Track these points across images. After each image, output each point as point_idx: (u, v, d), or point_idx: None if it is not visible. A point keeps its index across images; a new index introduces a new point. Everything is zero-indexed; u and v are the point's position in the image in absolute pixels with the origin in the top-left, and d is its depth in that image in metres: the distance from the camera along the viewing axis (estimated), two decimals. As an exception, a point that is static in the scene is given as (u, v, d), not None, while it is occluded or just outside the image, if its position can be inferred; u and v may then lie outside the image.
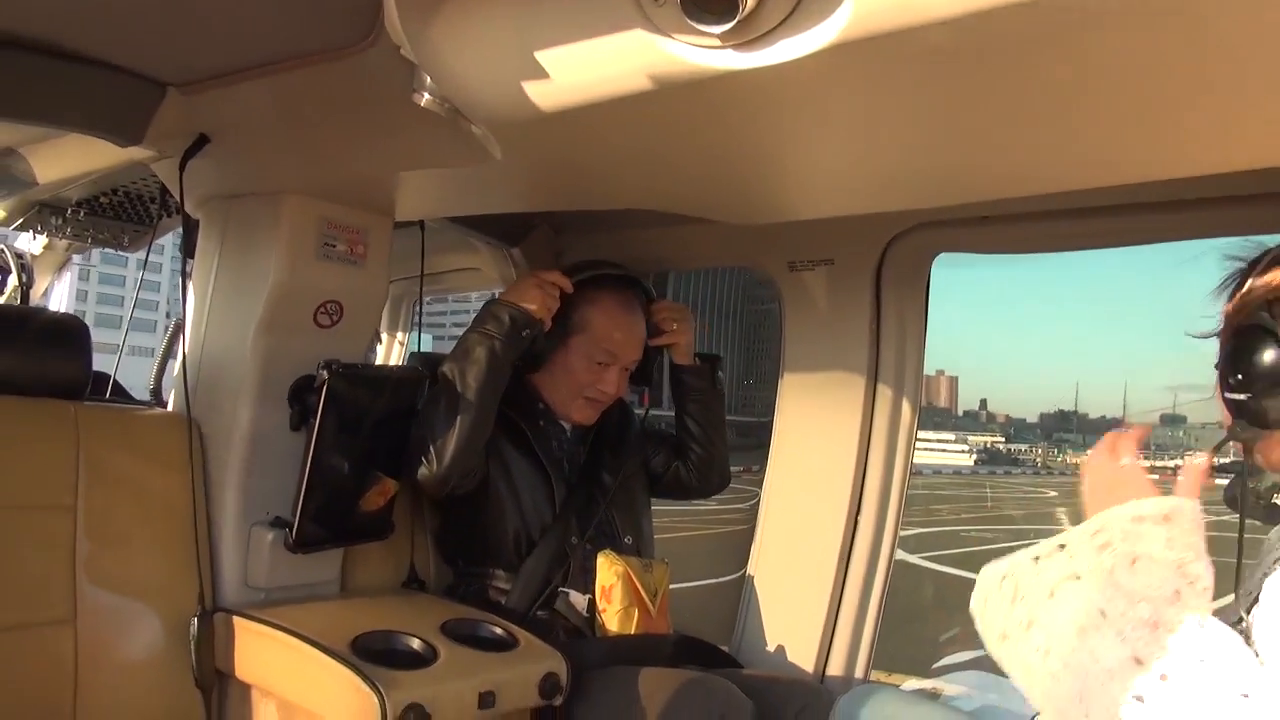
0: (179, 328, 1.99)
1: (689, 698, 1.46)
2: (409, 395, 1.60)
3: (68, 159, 1.77)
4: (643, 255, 2.01)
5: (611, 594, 1.66)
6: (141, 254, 2.49)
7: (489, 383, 1.61)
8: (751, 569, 1.95)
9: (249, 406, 1.52)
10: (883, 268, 1.78)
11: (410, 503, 1.77)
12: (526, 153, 1.23)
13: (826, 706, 1.53)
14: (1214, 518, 0.84)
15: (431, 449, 1.58)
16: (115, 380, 2.05)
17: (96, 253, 2.69)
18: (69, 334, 1.51)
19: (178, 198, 1.55)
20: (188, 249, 1.68)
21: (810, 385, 1.88)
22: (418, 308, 2.69)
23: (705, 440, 1.93)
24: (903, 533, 1.92)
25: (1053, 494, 34.84)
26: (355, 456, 1.54)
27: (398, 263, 2.54)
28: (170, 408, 1.68)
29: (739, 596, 1.97)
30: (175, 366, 1.68)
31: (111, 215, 2.21)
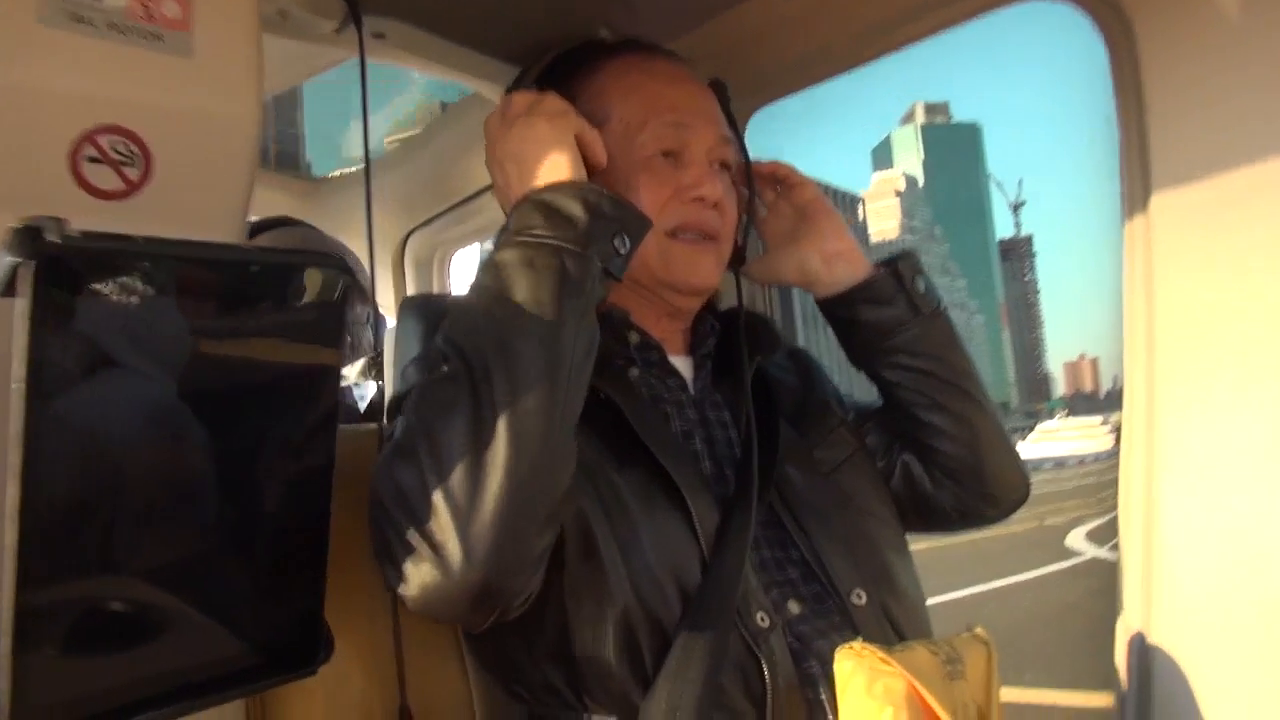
0: None
1: None
2: (303, 321, 0.64)
3: None
4: (787, 51, 1.04)
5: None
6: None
7: (571, 344, 0.68)
8: (1137, 620, 0.90)
9: None
10: None
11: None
12: None
13: None
14: None
15: (448, 517, 0.62)
16: None
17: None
18: None
19: None
20: None
21: (1220, 228, 0.83)
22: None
23: (955, 424, 0.89)
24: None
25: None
26: (170, 490, 0.60)
27: (416, 199, 1.61)
28: None
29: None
30: None
31: None
